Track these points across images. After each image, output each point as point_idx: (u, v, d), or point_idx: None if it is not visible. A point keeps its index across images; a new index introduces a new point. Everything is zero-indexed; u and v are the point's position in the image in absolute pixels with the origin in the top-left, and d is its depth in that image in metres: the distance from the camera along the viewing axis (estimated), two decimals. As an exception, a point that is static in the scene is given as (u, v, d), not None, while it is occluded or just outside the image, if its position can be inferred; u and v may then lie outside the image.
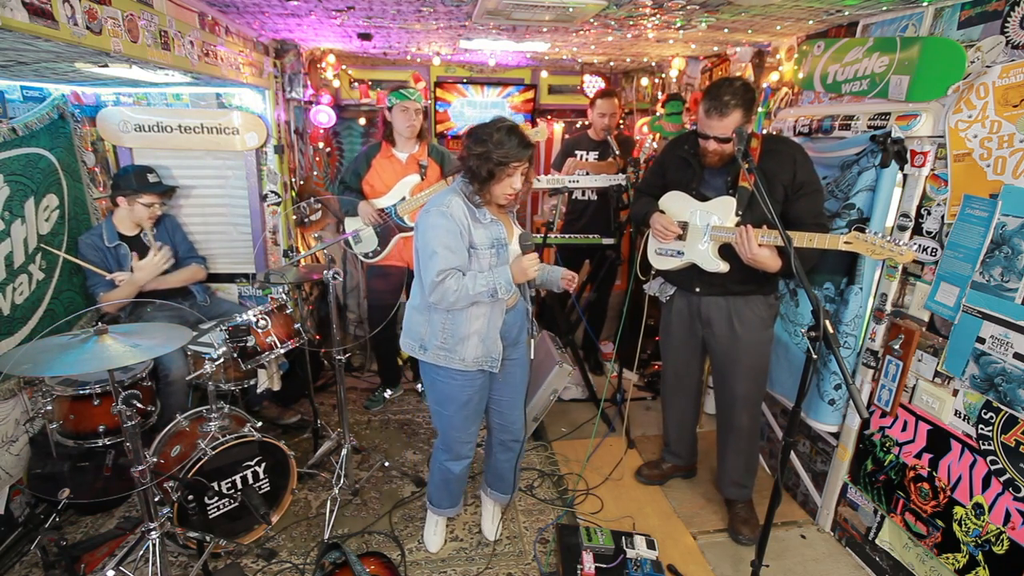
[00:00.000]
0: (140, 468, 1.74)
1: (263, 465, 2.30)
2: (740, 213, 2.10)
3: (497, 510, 2.44)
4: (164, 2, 1.98)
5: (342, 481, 2.51)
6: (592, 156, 3.62)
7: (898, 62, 2.05)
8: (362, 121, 4.42)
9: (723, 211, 2.14)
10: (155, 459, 2.00)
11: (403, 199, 3.02)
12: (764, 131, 2.79)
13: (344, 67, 4.15)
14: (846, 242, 1.84)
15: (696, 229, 2.22)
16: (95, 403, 2.22)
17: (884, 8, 2.09)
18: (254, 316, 2.41)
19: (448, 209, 1.82)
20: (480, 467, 2.59)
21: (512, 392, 2.14)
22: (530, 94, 4.56)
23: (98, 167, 3.00)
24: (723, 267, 2.16)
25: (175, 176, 3.18)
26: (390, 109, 2.96)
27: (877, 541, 2.23)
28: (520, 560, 2.30)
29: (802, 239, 1.91)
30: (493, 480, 2.36)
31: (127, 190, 2.73)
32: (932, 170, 1.98)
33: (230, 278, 3.43)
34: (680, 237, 2.26)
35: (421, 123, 3.02)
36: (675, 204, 2.31)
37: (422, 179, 2.99)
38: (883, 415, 2.17)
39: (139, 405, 1.71)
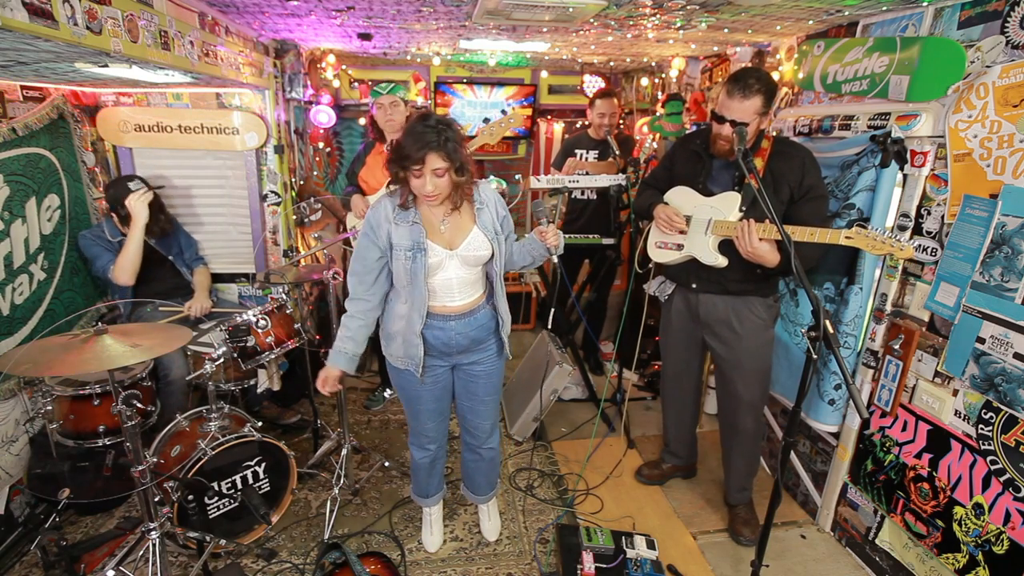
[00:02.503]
0: (140, 468, 1.75)
1: (263, 465, 2.30)
2: (744, 209, 2.10)
3: (489, 510, 2.42)
4: (164, 2, 1.97)
5: (342, 481, 2.51)
6: (592, 155, 3.62)
7: (898, 62, 2.05)
8: (362, 121, 4.42)
9: (727, 206, 2.14)
10: (155, 459, 2.00)
11: None
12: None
13: (344, 67, 4.15)
14: (847, 237, 1.84)
15: (698, 223, 2.21)
16: (95, 403, 2.22)
17: (884, 8, 2.09)
18: (254, 316, 2.41)
19: (373, 212, 1.82)
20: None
21: (475, 402, 2.12)
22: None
23: (98, 167, 3.01)
24: (721, 261, 2.16)
25: (169, 176, 3.18)
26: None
27: (877, 541, 2.23)
28: (520, 560, 2.30)
29: (803, 233, 1.91)
30: (464, 477, 2.40)
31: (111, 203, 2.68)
32: (932, 170, 1.98)
33: (231, 278, 3.44)
34: (682, 231, 2.26)
35: (403, 116, 2.93)
36: (680, 199, 2.30)
37: None
38: (883, 415, 2.17)
39: (139, 405, 1.72)
